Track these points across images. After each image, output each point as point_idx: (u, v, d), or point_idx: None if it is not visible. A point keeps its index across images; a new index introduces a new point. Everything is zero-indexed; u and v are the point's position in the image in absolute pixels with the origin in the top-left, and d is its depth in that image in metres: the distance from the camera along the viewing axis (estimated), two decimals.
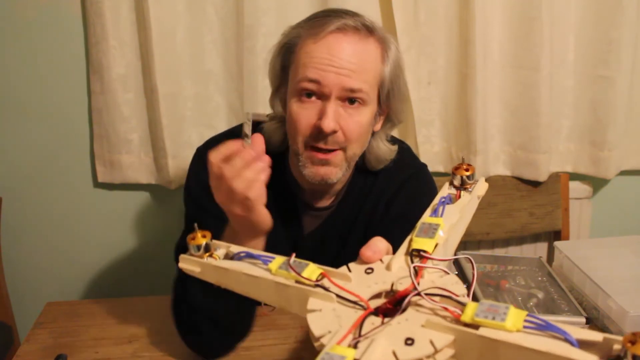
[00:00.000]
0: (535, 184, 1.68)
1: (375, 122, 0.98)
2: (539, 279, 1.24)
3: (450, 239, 0.57)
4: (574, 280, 1.22)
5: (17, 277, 1.72)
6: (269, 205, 0.79)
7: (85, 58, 1.59)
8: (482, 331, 0.42)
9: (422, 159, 1.63)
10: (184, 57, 1.55)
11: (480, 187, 0.64)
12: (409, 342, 0.43)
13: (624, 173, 1.74)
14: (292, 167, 1.04)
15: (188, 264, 0.58)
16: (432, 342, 0.42)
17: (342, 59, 0.88)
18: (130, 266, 1.76)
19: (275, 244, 0.97)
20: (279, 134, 1.00)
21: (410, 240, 0.55)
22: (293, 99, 0.92)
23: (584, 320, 1.06)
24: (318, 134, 0.90)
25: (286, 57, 0.95)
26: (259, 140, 0.77)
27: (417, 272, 0.51)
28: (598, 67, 1.60)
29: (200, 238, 0.58)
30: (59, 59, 1.59)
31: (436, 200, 0.62)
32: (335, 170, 0.94)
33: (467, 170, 0.63)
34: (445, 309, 0.45)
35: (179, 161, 1.58)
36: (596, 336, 0.41)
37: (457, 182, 0.63)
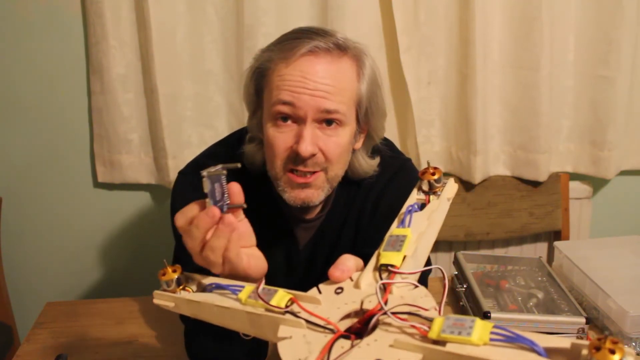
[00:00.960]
0: (535, 184, 1.68)
1: (355, 140, 0.96)
2: (539, 279, 1.24)
3: (419, 249, 0.56)
4: (573, 280, 1.22)
5: (17, 277, 1.72)
6: (262, 225, 0.76)
7: (85, 58, 1.59)
8: (449, 347, 0.42)
9: (422, 159, 1.64)
10: (184, 57, 1.55)
11: (449, 189, 0.64)
12: None
13: (624, 173, 1.74)
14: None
15: (162, 299, 0.58)
16: None
17: (315, 81, 0.86)
18: (130, 266, 1.76)
19: (272, 262, 0.97)
20: (260, 155, 0.97)
21: (378, 255, 0.55)
22: (269, 123, 0.90)
23: (583, 320, 1.06)
24: (296, 158, 0.88)
25: (259, 81, 0.92)
26: (235, 190, 0.64)
27: (385, 289, 0.51)
28: (598, 67, 1.60)
29: (171, 273, 0.58)
30: (59, 59, 1.59)
31: (403, 209, 0.61)
32: (316, 193, 0.91)
33: (433, 174, 0.63)
34: (413, 326, 0.45)
35: (178, 161, 1.58)
36: (564, 343, 0.41)
37: (425, 187, 0.63)
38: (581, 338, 1.07)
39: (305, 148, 0.86)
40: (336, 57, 0.88)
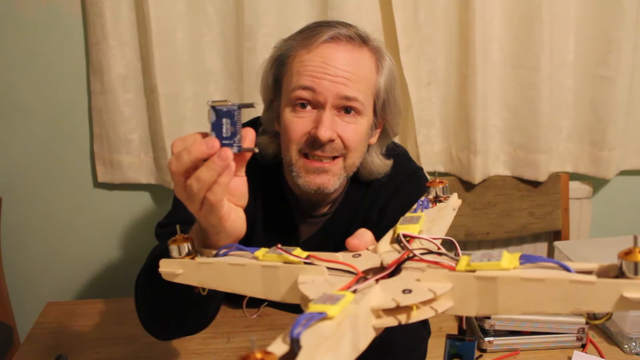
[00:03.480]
0: (535, 184, 1.68)
1: (371, 133, 0.97)
2: None
3: (433, 229, 0.57)
4: None
5: (17, 277, 1.72)
6: (266, 213, 0.75)
7: (85, 58, 1.59)
8: (479, 273, 0.42)
9: (422, 159, 1.65)
10: (184, 57, 1.55)
11: (454, 201, 0.65)
12: (407, 291, 0.43)
13: (623, 173, 1.74)
14: (288, 177, 1.02)
15: (169, 267, 0.57)
16: (431, 290, 0.42)
17: (336, 68, 0.87)
18: (131, 266, 1.75)
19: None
20: (273, 147, 0.99)
21: (395, 229, 0.55)
22: (287, 108, 0.91)
23: (583, 320, 1.06)
24: (314, 143, 0.89)
25: (279, 69, 0.93)
26: (249, 135, 0.57)
27: (407, 243, 0.51)
28: (598, 67, 1.60)
29: (182, 240, 0.57)
30: (59, 59, 1.59)
31: (415, 205, 0.63)
32: (332, 180, 0.92)
33: (440, 182, 0.65)
34: (440, 264, 0.45)
35: None
36: (592, 266, 0.42)
37: (431, 196, 0.65)
38: (581, 338, 1.07)
39: (324, 132, 0.86)
40: (357, 46, 0.90)
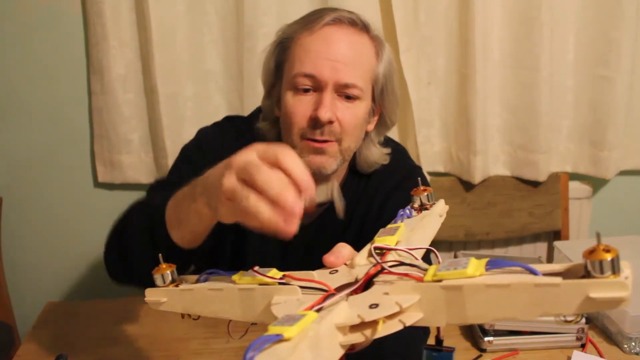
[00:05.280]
0: (535, 184, 1.68)
1: (369, 120, 0.98)
2: None
3: (413, 239, 0.56)
4: None
5: (17, 277, 1.72)
6: None
7: (85, 58, 1.59)
8: (445, 282, 0.42)
9: (422, 159, 1.65)
10: (184, 57, 1.55)
11: (440, 207, 0.65)
12: (374, 306, 0.42)
13: (623, 173, 1.74)
14: None
15: (153, 295, 0.59)
16: (397, 303, 0.42)
17: (337, 52, 0.89)
18: None
19: (266, 243, 0.96)
20: (273, 133, 1.00)
21: (372, 242, 0.55)
22: (289, 92, 0.92)
23: (583, 320, 1.06)
24: (314, 125, 0.90)
25: (281, 53, 0.95)
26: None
27: (382, 256, 0.51)
28: (598, 67, 1.60)
29: (165, 268, 0.58)
30: (59, 59, 1.59)
31: (396, 216, 0.62)
32: (330, 160, 0.93)
33: (424, 190, 0.64)
34: (408, 275, 0.45)
35: None
36: (558, 267, 0.41)
37: (417, 205, 0.64)
38: (581, 338, 1.07)
39: (325, 113, 0.88)
40: (358, 31, 0.92)
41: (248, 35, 1.49)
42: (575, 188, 1.73)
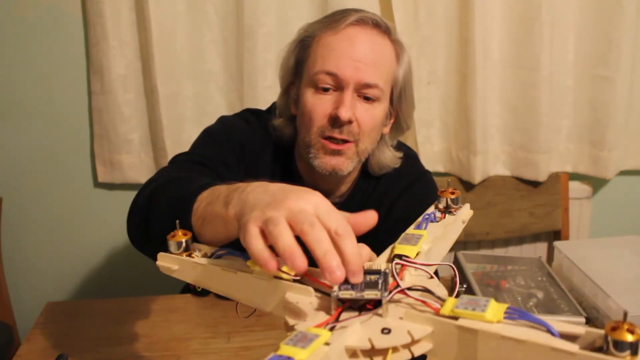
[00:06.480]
0: (535, 184, 1.68)
1: (385, 122, 0.99)
2: (539, 279, 1.24)
3: (433, 250, 0.56)
4: (573, 280, 1.22)
5: (17, 277, 1.72)
6: None
7: (85, 58, 1.59)
8: (461, 322, 0.42)
9: (422, 159, 1.64)
10: (184, 57, 1.55)
11: (465, 212, 0.64)
12: (386, 331, 0.42)
13: (623, 173, 1.74)
14: (299, 163, 1.04)
15: (166, 261, 0.58)
16: (409, 332, 0.42)
17: (360, 52, 0.89)
18: (130, 266, 1.76)
19: None
20: (288, 130, 1.01)
21: (393, 247, 0.55)
22: (309, 90, 0.93)
23: (583, 320, 1.06)
24: (334, 123, 0.91)
25: (302, 51, 0.95)
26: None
27: (398, 273, 0.50)
28: (598, 67, 1.60)
29: (181, 236, 0.58)
30: (59, 59, 1.59)
31: (420, 219, 0.62)
32: (346, 162, 0.94)
33: (452, 193, 0.63)
34: (424, 302, 0.45)
35: None
36: (579, 329, 0.40)
37: (442, 205, 0.63)
38: None
39: (345, 112, 0.88)
40: (381, 33, 0.93)
41: (248, 35, 1.49)
42: (575, 188, 1.73)
